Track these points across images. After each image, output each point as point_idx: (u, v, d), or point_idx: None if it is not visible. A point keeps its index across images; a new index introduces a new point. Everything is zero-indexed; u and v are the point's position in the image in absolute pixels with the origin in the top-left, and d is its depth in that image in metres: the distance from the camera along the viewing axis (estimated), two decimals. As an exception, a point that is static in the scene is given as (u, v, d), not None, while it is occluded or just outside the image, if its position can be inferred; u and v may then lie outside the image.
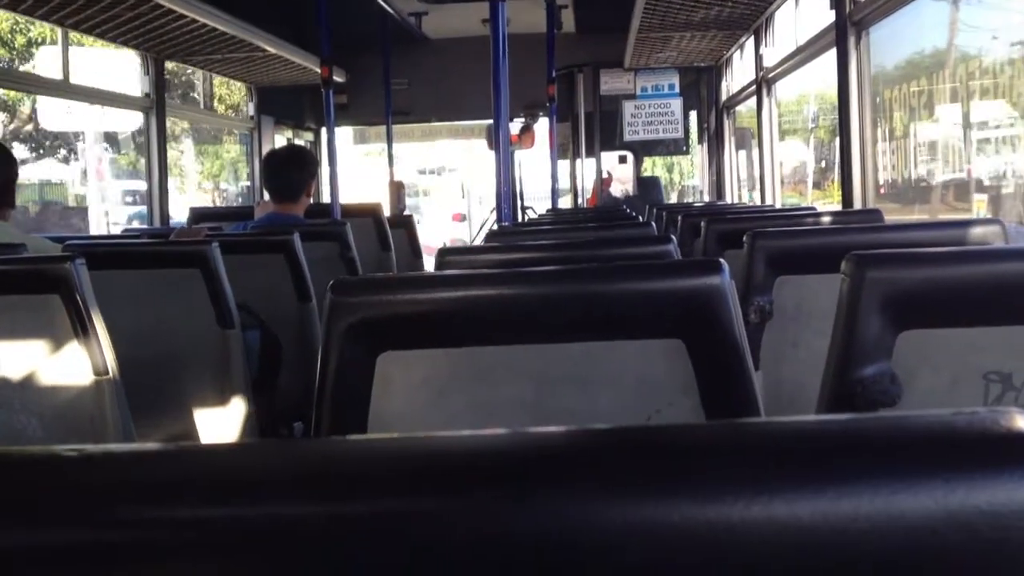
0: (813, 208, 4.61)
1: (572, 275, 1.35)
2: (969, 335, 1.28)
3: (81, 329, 2.05)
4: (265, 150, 8.41)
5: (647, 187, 9.78)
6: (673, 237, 2.12)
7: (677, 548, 0.38)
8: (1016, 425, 0.39)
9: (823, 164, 9.67)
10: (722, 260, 1.28)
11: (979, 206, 4.36)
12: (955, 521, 0.36)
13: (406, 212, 8.34)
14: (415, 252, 5.74)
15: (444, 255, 1.89)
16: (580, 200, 9.84)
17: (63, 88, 6.76)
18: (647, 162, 10.44)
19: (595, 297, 1.30)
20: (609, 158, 9.86)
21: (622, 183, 9.88)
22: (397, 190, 8.58)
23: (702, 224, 2.95)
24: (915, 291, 1.27)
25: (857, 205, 4.23)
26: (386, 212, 5.66)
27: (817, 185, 9.84)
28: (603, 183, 9.75)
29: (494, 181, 4.70)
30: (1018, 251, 1.44)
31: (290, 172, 4.02)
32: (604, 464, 0.41)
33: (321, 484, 0.42)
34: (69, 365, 2.07)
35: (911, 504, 0.37)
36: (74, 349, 2.06)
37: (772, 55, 6.76)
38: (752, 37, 7.17)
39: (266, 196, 4.28)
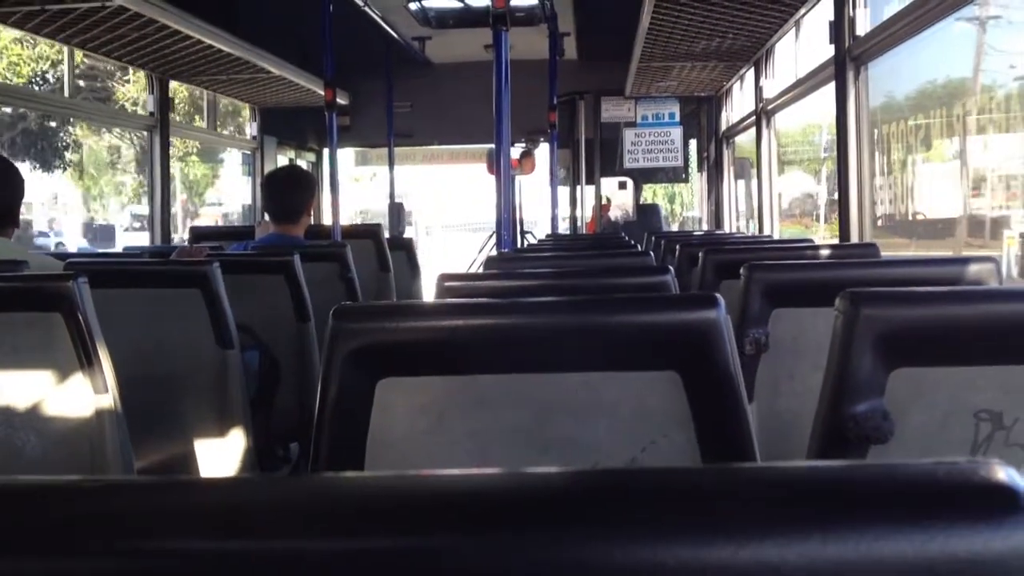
0: (811, 240, 4.63)
1: (571, 306, 1.37)
2: (961, 374, 1.30)
3: (82, 347, 2.06)
4: (267, 170, 8.44)
5: (646, 214, 9.82)
6: (671, 268, 2.15)
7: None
8: (995, 476, 0.41)
9: (835, 196, 9.31)
10: (718, 295, 1.30)
11: (1009, 243, 4.33)
12: (934, 569, 0.38)
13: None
14: (414, 274, 5.76)
15: (444, 281, 1.91)
16: (580, 225, 9.88)
17: (67, 105, 6.80)
18: (647, 190, 10.48)
19: (593, 329, 1.31)
20: (609, 185, 9.92)
21: (621, 208, 9.93)
22: (397, 212, 8.60)
23: (700, 254, 2.98)
24: (908, 329, 1.29)
25: (854, 239, 4.26)
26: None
27: (828, 219, 9.42)
28: (602, 208, 9.81)
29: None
30: (1010, 292, 1.46)
31: (291, 193, 4.04)
32: (597, 507, 0.42)
33: (318, 521, 0.43)
34: (69, 383, 2.08)
35: (893, 551, 0.38)
36: (75, 367, 2.07)
37: (772, 87, 6.81)
38: (752, 68, 7.23)
39: (266, 216, 4.30)
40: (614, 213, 10.04)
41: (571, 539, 0.41)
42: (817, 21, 5.37)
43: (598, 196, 9.79)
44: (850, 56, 4.30)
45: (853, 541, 0.38)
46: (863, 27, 4.34)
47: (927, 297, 1.36)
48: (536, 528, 0.42)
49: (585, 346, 1.31)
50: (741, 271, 2.23)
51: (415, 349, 1.31)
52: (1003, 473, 0.41)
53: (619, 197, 9.94)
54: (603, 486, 0.44)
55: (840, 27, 4.33)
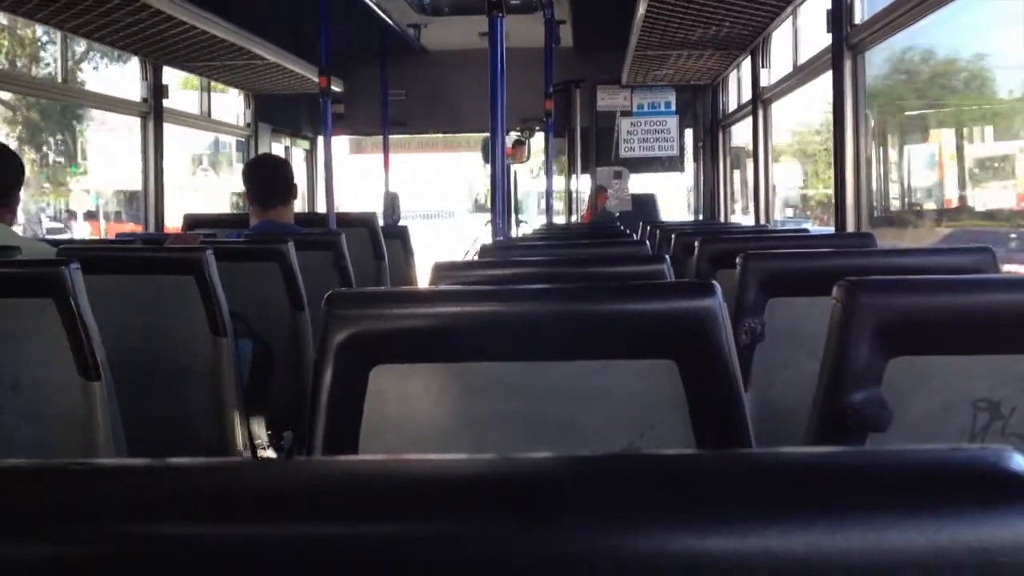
0: (806, 230, 4.63)
1: (567, 294, 1.36)
2: (959, 363, 1.29)
3: (74, 334, 2.05)
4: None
5: (642, 204, 9.80)
6: (667, 257, 2.14)
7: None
8: (1006, 464, 0.40)
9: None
10: (715, 283, 1.29)
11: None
12: (944, 557, 0.37)
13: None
14: (408, 262, 5.75)
15: (439, 270, 1.90)
16: (575, 215, 9.86)
17: (61, 90, 6.77)
18: (639, 180, 10.45)
19: (589, 316, 1.31)
20: (604, 174, 9.89)
21: (617, 197, 9.90)
22: (392, 201, 8.58)
23: (696, 244, 2.96)
24: (906, 318, 1.29)
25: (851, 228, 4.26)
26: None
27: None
28: (598, 198, 9.78)
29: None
30: (1008, 280, 1.45)
31: (281, 178, 4.04)
32: (603, 493, 0.41)
33: (309, 505, 0.43)
34: (61, 369, 2.07)
35: (901, 539, 0.38)
36: (66, 353, 2.06)
37: (769, 75, 6.79)
38: (749, 57, 7.21)
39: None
40: (611, 203, 10.02)
41: (574, 525, 0.40)
42: (814, 9, 5.35)
43: (593, 185, 9.76)
44: (847, 44, 4.28)
45: (861, 528, 0.37)
46: (861, 15, 4.33)
47: (925, 286, 1.35)
48: (535, 515, 0.41)
49: (581, 334, 1.30)
50: (737, 260, 2.22)
51: (409, 336, 1.30)
52: (1015, 461, 0.40)
53: (615, 186, 9.92)
54: (604, 471, 0.43)
55: (838, 15, 4.31)
